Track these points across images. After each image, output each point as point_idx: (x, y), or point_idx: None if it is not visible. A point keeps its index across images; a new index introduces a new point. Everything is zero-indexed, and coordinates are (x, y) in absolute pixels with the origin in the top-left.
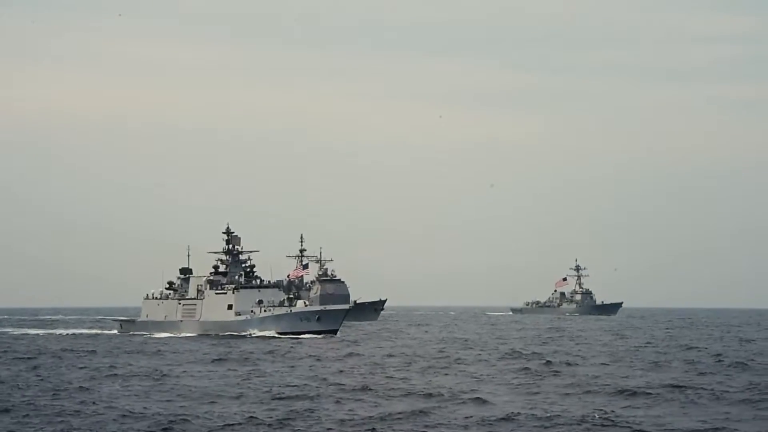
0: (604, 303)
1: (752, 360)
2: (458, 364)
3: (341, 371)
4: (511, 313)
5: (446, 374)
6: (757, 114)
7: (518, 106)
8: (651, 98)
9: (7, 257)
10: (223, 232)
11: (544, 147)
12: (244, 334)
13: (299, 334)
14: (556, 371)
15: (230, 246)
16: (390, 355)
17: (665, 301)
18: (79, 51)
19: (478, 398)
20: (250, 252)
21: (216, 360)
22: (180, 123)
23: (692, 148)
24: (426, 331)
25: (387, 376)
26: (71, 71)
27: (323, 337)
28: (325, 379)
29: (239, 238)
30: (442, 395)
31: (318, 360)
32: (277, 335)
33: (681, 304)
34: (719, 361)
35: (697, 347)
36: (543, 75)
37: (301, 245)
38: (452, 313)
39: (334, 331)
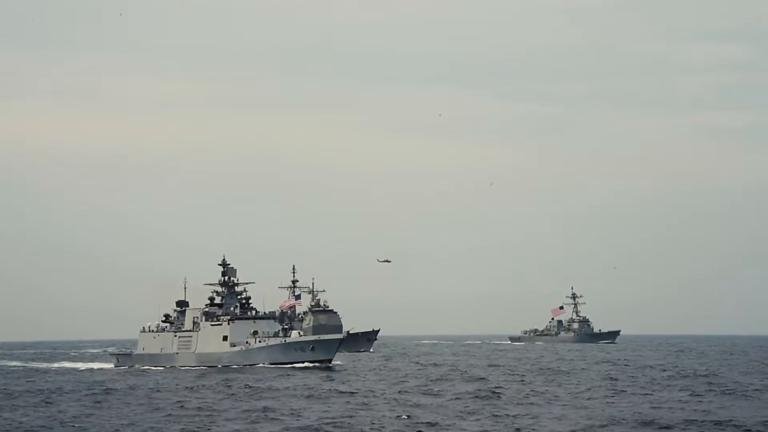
0: (602, 331)
1: None
2: None
3: None
4: (509, 342)
5: None
6: (757, 141)
7: (514, 135)
8: (649, 127)
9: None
10: (219, 264)
11: (540, 175)
12: (238, 365)
13: (294, 364)
14: None
15: (226, 278)
16: None
17: (663, 328)
18: (78, 87)
19: None
20: (246, 284)
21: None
22: (176, 158)
23: (691, 176)
24: None
25: None
26: (68, 107)
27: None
28: None
29: (235, 270)
30: None
31: None
32: (271, 366)
33: (678, 332)
34: None
35: None
36: (541, 104)
37: (293, 276)
38: (450, 342)
39: (329, 361)
